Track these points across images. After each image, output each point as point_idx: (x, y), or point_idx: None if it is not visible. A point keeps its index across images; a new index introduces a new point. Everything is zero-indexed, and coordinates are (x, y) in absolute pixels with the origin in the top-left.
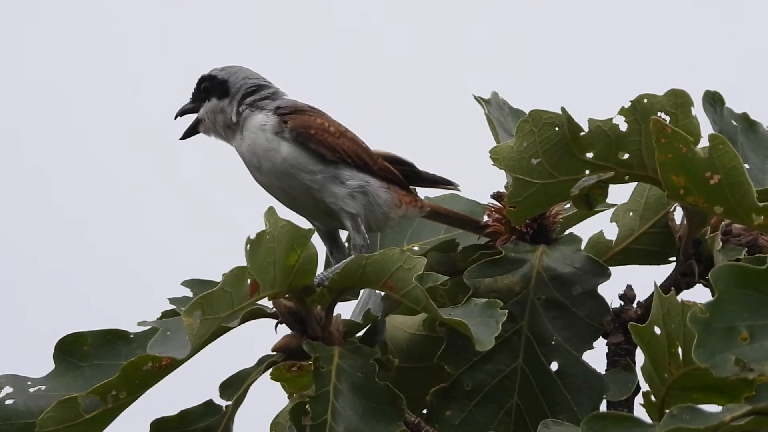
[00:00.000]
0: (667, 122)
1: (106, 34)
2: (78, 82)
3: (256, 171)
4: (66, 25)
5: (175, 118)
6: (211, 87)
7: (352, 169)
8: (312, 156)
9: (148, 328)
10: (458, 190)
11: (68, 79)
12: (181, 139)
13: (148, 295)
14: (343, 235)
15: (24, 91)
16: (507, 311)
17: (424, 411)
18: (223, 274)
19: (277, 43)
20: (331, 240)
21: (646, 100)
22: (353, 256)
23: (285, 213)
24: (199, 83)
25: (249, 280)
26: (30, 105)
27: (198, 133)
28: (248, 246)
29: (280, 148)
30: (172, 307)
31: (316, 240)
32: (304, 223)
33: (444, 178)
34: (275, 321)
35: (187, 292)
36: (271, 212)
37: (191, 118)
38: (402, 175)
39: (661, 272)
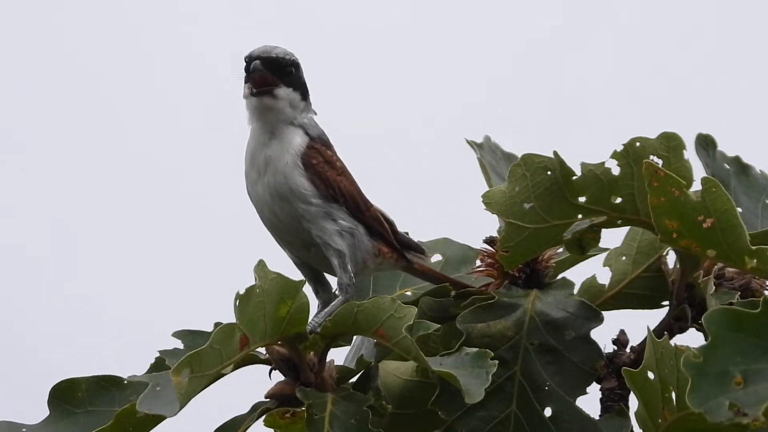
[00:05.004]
0: (660, 165)
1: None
2: None
3: (257, 179)
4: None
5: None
6: (293, 75)
7: (345, 212)
8: (310, 186)
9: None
10: (427, 258)
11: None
12: (254, 95)
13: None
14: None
15: None
16: (497, 362)
17: None
18: (213, 330)
19: None
20: (315, 279)
21: (638, 144)
22: (341, 298)
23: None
24: (285, 63)
25: (239, 335)
26: None
27: (265, 96)
28: (237, 301)
29: (293, 173)
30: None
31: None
32: (293, 274)
33: (416, 244)
34: (269, 367)
35: (178, 344)
36: (261, 266)
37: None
38: None
39: (654, 316)
